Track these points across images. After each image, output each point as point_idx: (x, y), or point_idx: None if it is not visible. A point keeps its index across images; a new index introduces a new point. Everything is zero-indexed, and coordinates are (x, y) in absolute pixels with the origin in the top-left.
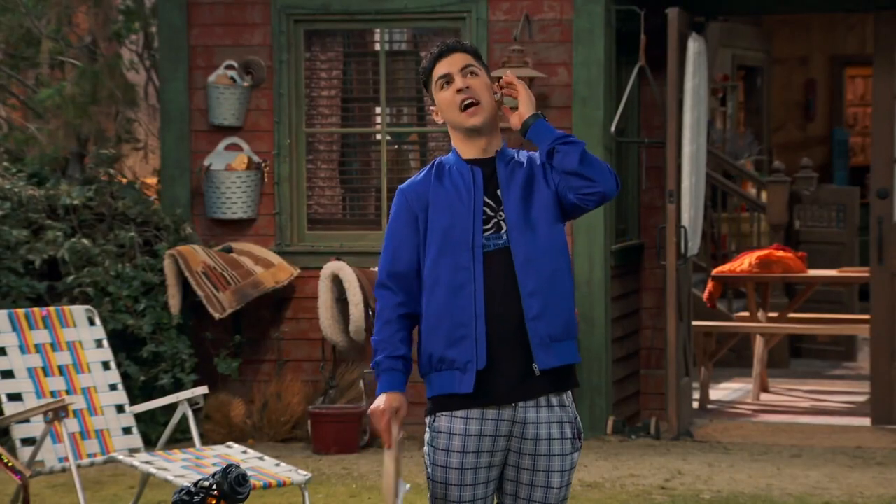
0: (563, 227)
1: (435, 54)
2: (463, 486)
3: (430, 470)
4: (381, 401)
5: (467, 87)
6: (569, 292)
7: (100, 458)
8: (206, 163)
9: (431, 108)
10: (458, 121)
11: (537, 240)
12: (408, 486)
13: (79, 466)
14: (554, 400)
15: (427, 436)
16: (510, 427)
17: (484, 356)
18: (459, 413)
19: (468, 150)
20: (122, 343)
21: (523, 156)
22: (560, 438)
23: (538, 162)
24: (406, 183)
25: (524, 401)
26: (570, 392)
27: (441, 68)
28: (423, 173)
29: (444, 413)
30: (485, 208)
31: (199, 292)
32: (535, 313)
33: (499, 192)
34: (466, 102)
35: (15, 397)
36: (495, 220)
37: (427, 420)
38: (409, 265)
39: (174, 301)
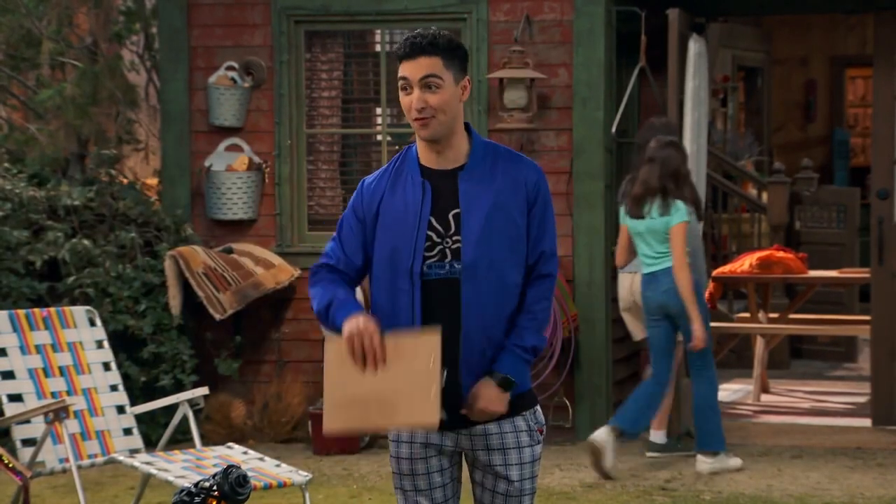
0: (523, 266)
1: (399, 52)
2: (416, 475)
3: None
4: (356, 321)
5: (422, 108)
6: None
7: (100, 459)
8: (206, 163)
9: None
10: (413, 126)
11: (490, 285)
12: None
13: (79, 467)
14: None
15: None
16: (455, 440)
17: None
18: (404, 436)
19: (425, 154)
20: (123, 344)
21: (499, 168)
22: (513, 432)
23: (519, 184)
24: (370, 177)
25: (464, 428)
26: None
27: (403, 70)
28: (385, 168)
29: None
30: (430, 233)
31: (200, 293)
32: (466, 358)
33: (451, 216)
34: (417, 118)
35: (15, 398)
36: (440, 247)
37: None
38: (351, 262)
39: (175, 302)
